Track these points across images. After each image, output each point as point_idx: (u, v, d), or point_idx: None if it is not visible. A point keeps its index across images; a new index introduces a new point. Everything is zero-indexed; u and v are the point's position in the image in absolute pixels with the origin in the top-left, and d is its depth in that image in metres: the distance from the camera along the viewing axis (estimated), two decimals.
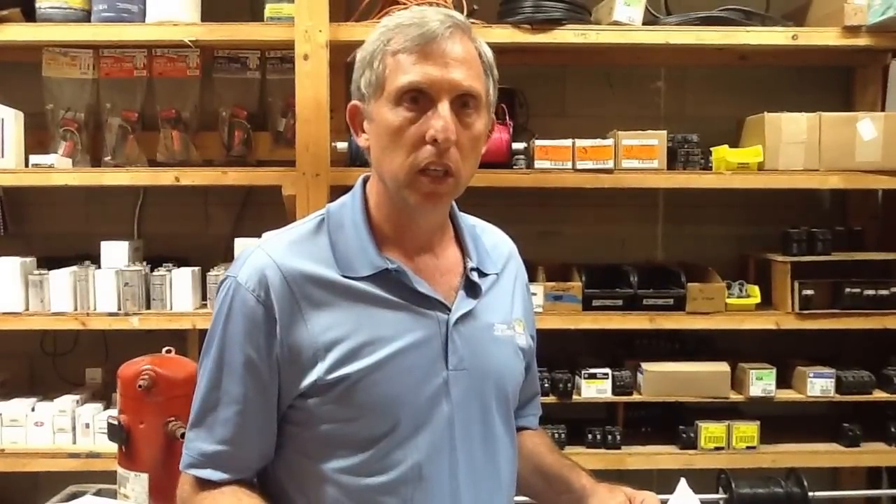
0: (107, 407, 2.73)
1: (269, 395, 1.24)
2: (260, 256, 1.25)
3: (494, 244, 1.42)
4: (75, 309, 2.65)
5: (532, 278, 2.20)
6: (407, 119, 1.19)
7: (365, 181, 1.34)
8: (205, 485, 1.26)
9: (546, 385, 2.67)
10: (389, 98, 1.20)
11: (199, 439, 1.26)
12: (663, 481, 2.36)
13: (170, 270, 2.66)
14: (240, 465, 1.26)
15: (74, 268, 2.67)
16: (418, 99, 1.19)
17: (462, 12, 2.06)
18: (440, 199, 1.23)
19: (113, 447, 1.80)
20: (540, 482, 1.43)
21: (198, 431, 1.26)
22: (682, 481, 1.26)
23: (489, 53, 1.26)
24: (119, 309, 2.64)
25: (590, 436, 2.71)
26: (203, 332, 2.66)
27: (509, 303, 1.39)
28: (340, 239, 1.27)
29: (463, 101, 1.20)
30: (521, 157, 2.68)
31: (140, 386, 1.71)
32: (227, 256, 2.78)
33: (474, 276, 1.32)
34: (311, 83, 2.53)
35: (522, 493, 1.46)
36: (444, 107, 1.18)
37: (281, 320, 1.21)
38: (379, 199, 1.29)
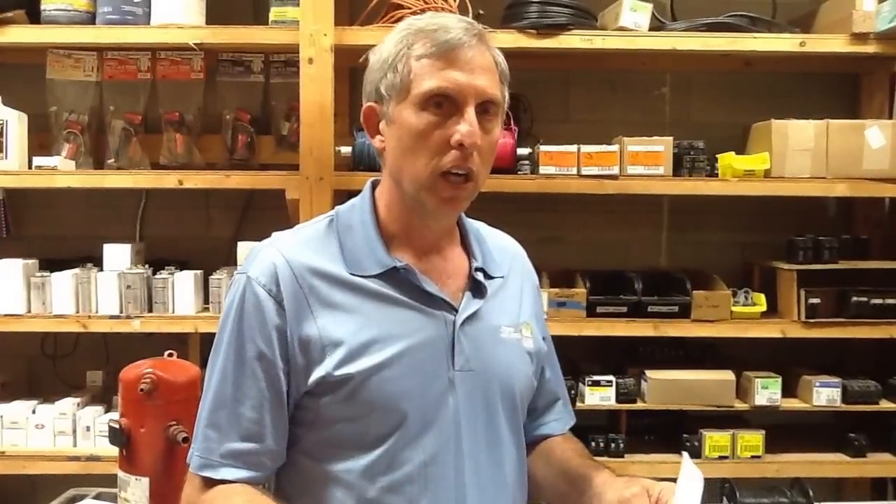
0: (107, 410, 2.72)
1: (281, 391, 1.23)
2: (270, 253, 1.26)
3: (500, 248, 1.43)
4: (77, 311, 2.64)
5: None
6: (431, 123, 1.21)
7: (374, 185, 1.35)
8: (216, 486, 1.22)
9: None
10: (414, 101, 1.21)
11: (211, 439, 1.23)
12: None
13: (172, 273, 2.66)
14: (256, 463, 1.23)
15: (76, 270, 2.66)
16: (442, 104, 1.20)
17: (467, 16, 2.05)
18: (458, 204, 1.26)
19: (113, 451, 1.80)
20: (564, 485, 1.41)
21: (209, 431, 1.24)
22: (685, 456, 1.25)
23: (504, 62, 1.29)
24: (121, 312, 2.63)
25: (593, 444, 2.68)
26: (205, 336, 2.69)
27: (517, 306, 1.39)
28: (349, 239, 1.29)
29: (484, 108, 1.22)
30: (526, 162, 2.67)
31: (141, 389, 1.71)
32: (230, 260, 2.77)
33: (479, 277, 1.33)
34: (315, 87, 2.52)
35: (550, 500, 1.45)
36: (470, 112, 1.20)
37: (291, 314, 1.22)
38: (390, 201, 1.30)
